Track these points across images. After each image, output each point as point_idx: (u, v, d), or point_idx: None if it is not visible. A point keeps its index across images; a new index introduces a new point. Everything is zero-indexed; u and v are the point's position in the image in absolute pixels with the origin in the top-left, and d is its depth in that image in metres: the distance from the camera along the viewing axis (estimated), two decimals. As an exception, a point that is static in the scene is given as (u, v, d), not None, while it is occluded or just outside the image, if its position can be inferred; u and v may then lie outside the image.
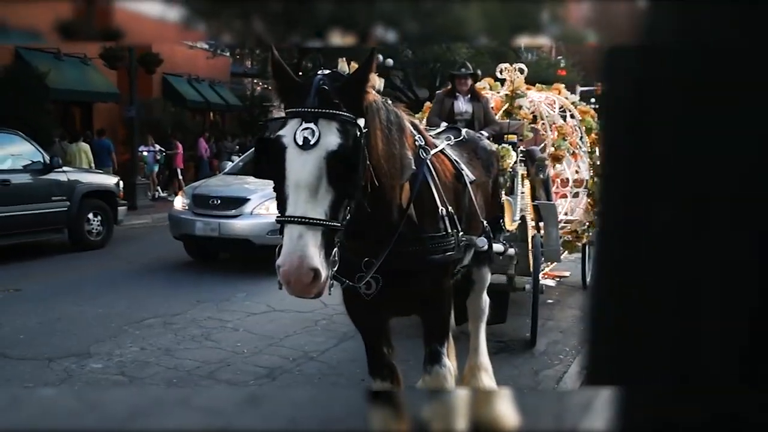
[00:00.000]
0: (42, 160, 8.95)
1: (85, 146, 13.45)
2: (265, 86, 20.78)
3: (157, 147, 16.35)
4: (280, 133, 2.12)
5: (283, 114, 2.22)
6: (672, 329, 0.46)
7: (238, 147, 18.68)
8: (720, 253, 0.44)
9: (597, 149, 5.90)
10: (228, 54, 21.34)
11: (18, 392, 3.91)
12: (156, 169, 16.47)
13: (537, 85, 6.68)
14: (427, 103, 6.11)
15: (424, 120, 5.15)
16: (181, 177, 16.72)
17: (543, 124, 6.55)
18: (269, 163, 2.13)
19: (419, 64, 21.85)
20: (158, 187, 16.59)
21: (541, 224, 5.55)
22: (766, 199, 0.42)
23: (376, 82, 2.28)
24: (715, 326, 0.44)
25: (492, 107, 5.54)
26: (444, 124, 4.10)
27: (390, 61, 20.20)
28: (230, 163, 10.96)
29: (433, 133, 3.46)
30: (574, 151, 6.24)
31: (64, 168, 9.45)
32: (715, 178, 0.42)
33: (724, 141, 0.42)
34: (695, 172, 0.43)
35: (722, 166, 0.42)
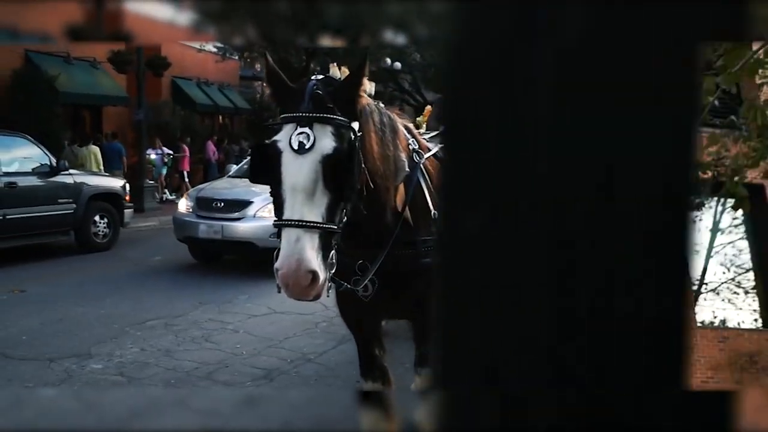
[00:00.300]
0: (49, 163, 9.02)
1: (95, 149, 13.51)
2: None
3: (165, 150, 16.42)
4: (276, 138, 2.14)
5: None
6: (474, 333, 0.47)
7: (250, 150, 18.69)
8: (520, 257, 0.45)
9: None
10: (237, 57, 21.40)
11: (19, 392, 3.94)
12: (164, 171, 16.53)
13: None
14: (428, 107, 6.12)
15: (425, 124, 5.15)
16: (187, 180, 16.78)
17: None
18: (266, 168, 2.16)
19: (427, 67, 21.87)
20: (166, 190, 16.65)
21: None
22: (567, 202, 0.43)
23: (368, 86, 2.30)
24: (515, 331, 0.46)
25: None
26: (442, 127, 4.10)
27: (398, 64, 20.23)
28: (235, 166, 10.99)
29: (427, 136, 3.47)
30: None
31: (71, 171, 9.51)
32: (515, 182, 0.44)
33: (521, 144, 0.44)
34: (498, 177, 0.44)
35: (522, 170, 0.43)
